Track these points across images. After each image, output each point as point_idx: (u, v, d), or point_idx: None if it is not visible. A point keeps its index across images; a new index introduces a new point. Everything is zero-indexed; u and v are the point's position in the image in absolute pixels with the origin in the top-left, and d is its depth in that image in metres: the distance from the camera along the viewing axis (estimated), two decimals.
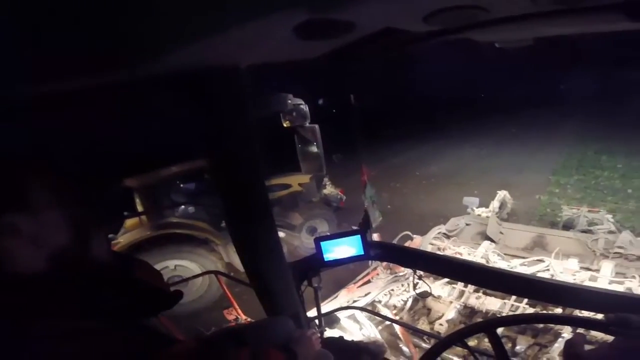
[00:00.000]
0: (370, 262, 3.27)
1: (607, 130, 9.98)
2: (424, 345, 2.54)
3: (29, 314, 0.66)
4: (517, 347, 2.41)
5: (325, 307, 2.63)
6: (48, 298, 0.70)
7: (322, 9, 0.80)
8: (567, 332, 2.34)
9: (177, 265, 4.32)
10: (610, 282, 2.65)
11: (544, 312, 2.46)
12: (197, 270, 4.23)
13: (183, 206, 4.83)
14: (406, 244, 3.46)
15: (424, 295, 2.98)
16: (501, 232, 3.54)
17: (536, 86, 16.14)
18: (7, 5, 0.51)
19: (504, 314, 2.58)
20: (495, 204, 4.35)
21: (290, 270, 1.43)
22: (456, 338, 0.91)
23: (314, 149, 5.08)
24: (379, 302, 3.04)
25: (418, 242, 3.55)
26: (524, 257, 3.09)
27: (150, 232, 4.26)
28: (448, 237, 3.65)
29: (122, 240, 4.18)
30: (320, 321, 1.73)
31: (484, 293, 2.82)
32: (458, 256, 3.25)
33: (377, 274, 3.30)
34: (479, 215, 4.05)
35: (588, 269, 2.83)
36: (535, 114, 13.11)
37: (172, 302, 0.95)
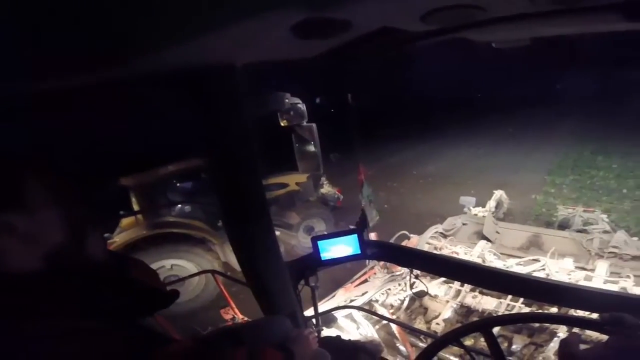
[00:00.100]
0: (367, 261, 3.28)
1: (603, 131, 10.05)
2: (420, 344, 2.55)
3: (27, 313, 0.66)
4: (513, 347, 2.42)
5: (323, 307, 2.63)
6: (46, 298, 0.69)
7: (318, 8, 0.80)
8: (562, 332, 2.35)
9: (174, 265, 4.30)
10: (605, 282, 2.67)
11: (539, 311, 2.47)
12: (193, 269, 4.22)
13: (179, 205, 4.81)
14: (403, 243, 3.46)
15: (421, 294, 2.99)
16: (497, 232, 3.55)
17: (533, 86, 16.21)
18: (6, 3, 0.50)
19: (500, 313, 2.59)
20: (491, 204, 4.37)
21: (287, 270, 1.43)
22: (452, 337, 0.92)
23: (312, 148, 5.06)
24: (376, 301, 3.04)
25: (415, 242, 3.56)
26: (520, 257, 3.10)
27: (146, 231, 4.24)
28: (445, 236, 3.66)
29: (118, 239, 4.16)
30: (317, 320, 1.73)
31: (480, 292, 2.83)
32: (454, 255, 3.26)
33: (374, 274, 3.30)
34: (475, 214, 4.07)
35: (583, 269, 2.84)
36: (532, 113, 13.17)
37: (168, 301, 0.95)
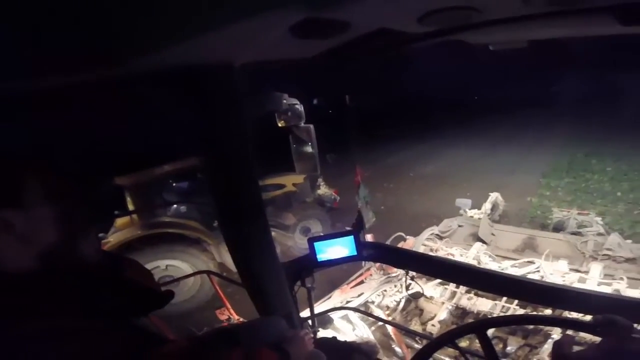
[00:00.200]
0: (363, 263, 3.28)
1: (598, 133, 10.14)
2: (416, 345, 2.55)
3: (24, 313, 0.66)
4: (508, 348, 2.43)
5: (319, 308, 2.63)
6: (46, 298, 0.70)
7: (317, 8, 0.80)
8: (556, 333, 2.37)
9: (169, 265, 4.28)
10: (599, 284, 2.69)
11: (534, 313, 2.48)
12: (188, 270, 4.20)
13: (175, 205, 4.79)
14: (399, 245, 3.47)
15: (416, 296, 3.00)
16: (493, 234, 3.57)
17: (529, 88, 16.32)
18: (6, 2, 0.50)
19: (495, 315, 2.60)
20: (487, 206, 4.39)
21: (283, 271, 1.43)
22: (447, 339, 0.92)
23: (309, 149, 5.06)
24: (372, 302, 3.04)
25: (411, 243, 3.56)
26: (514, 259, 3.12)
27: (141, 231, 4.21)
28: (441, 238, 3.67)
29: (113, 239, 4.13)
30: (313, 321, 1.73)
31: (476, 294, 2.84)
32: (450, 257, 3.27)
33: (371, 275, 3.30)
34: (471, 216, 4.09)
35: (577, 271, 2.87)
36: (528, 115, 13.27)
37: (163, 301, 0.95)
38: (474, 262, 3.11)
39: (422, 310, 2.97)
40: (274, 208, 5.23)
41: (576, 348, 0.66)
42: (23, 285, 0.69)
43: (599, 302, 1.09)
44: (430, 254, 3.29)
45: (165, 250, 4.24)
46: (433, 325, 2.70)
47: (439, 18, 0.95)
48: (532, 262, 2.96)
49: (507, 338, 2.50)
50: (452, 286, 2.97)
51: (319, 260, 1.44)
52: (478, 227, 3.61)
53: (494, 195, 4.64)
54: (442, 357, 2.36)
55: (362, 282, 3.27)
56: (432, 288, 3.01)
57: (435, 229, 3.78)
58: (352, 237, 1.44)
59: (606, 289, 2.61)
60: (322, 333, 2.02)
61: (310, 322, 1.72)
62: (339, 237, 1.45)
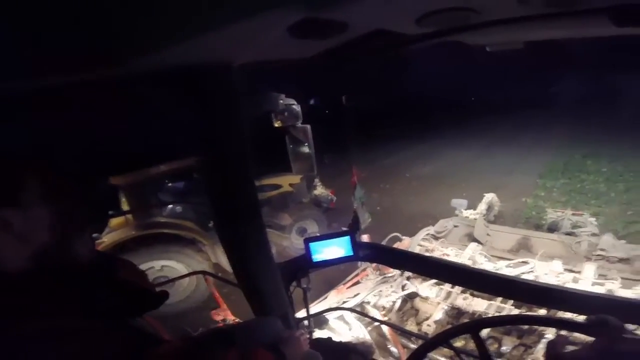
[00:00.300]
0: (359, 263, 3.28)
1: (594, 135, 10.21)
2: (412, 346, 2.56)
3: (23, 313, 0.66)
4: (503, 348, 2.45)
5: (315, 308, 2.63)
6: (44, 297, 0.70)
7: (315, 8, 0.80)
8: (550, 334, 2.39)
9: (164, 266, 4.26)
10: (593, 284, 2.71)
11: (527, 313, 2.50)
12: (184, 270, 4.18)
13: (170, 205, 4.77)
14: (395, 245, 3.48)
15: (412, 296, 3.01)
16: (488, 234, 3.59)
17: (526, 89, 16.39)
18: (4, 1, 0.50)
19: (490, 315, 2.62)
20: (482, 206, 4.41)
21: (279, 271, 1.43)
22: (442, 339, 0.92)
23: (305, 149, 5.08)
24: (368, 303, 3.05)
25: (407, 244, 3.57)
26: (509, 259, 3.14)
27: (136, 231, 4.19)
28: (436, 238, 3.69)
29: (107, 239, 4.11)
30: (309, 322, 1.73)
31: (471, 294, 2.85)
32: (446, 257, 3.28)
33: (367, 275, 3.31)
34: (466, 217, 4.10)
35: (571, 271, 2.89)
36: (525, 116, 13.32)
37: (157, 302, 0.95)
38: (469, 263, 3.12)
39: (417, 311, 2.98)
40: (270, 208, 5.23)
41: (570, 348, 0.67)
42: (22, 285, 0.69)
43: (592, 302, 1.10)
44: (426, 254, 3.29)
45: (160, 250, 4.21)
46: (429, 325, 2.71)
47: (437, 19, 0.95)
48: (526, 262, 2.98)
49: (502, 338, 2.51)
50: (447, 286, 2.98)
51: (314, 260, 1.45)
52: (473, 227, 3.63)
53: (490, 196, 4.67)
54: (437, 357, 2.37)
55: (358, 282, 3.28)
56: (427, 288, 3.02)
57: (431, 230, 3.79)
58: (348, 237, 1.45)
59: (600, 289, 2.63)
60: (318, 333, 2.02)
61: (306, 322, 1.72)
62: (335, 237, 1.45)
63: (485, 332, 2.41)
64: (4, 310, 0.65)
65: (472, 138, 11.36)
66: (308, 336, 1.44)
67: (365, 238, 3.72)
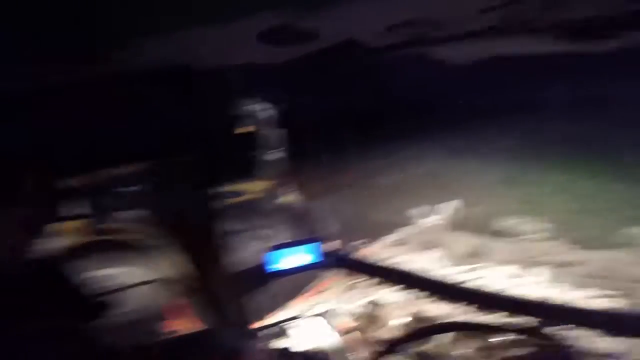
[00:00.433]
0: (326, 269, 3.27)
1: (554, 144, 10.89)
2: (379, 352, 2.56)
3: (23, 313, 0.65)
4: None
5: (277, 317, 2.56)
6: (42, 297, 0.70)
7: (286, 17, 0.79)
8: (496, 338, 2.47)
9: (116, 273, 4.03)
10: (546, 288, 2.87)
11: (464, 321, 2.55)
12: (138, 278, 3.98)
13: (125, 210, 4.54)
14: (362, 252, 3.51)
15: (379, 302, 3.04)
16: (449, 240, 3.72)
17: (487, 97, 17.20)
18: None
19: (453, 320, 2.67)
20: (444, 213, 4.58)
21: (239, 280, 1.37)
22: (397, 345, 0.92)
23: (278, 154, 5.02)
24: (334, 310, 3.03)
25: (373, 250, 3.62)
26: (468, 265, 3.26)
27: (88, 237, 3.93)
28: (401, 245, 3.77)
29: (56, 244, 3.81)
30: (271, 331, 1.68)
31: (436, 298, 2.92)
32: (409, 264, 3.35)
33: (333, 282, 3.30)
34: (429, 224, 4.23)
35: (526, 276, 3.04)
36: (491, 125, 13.94)
37: (98, 312, 0.89)
38: (431, 268, 3.21)
39: (383, 316, 3.00)
40: (237, 215, 5.10)
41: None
42: (22, 285, 0.69)
43: (537, 307, 1.15)
44: (391, 261, 3.35)
45: (113, 257, 3.99)
46: (395, 330, 2.73)
47: (403, 31, 0.97)
48: (484, 268, 3.11)
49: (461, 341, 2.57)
50: (412, 291, 3.03)
51: (278, 268, 1.41)
52: (435, 234, 3.75)
53: (452, 203, 4.85)
54: None
55: (324, 289, 3.26)
56: (393, 293, 3.05)
57: (396, 236, 3.88)
58: (313, 244, 1.42)
59: (552, 293, 2.79)
60: (280, 343, 1.97)
61: (267, 331, 1.67)
62: (300, 245, 1.42)
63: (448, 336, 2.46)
64: (3, 310, 0.64)
65: (437, 146, 11.75)
66: (269, 346, 1.39)
67: (332, 245, 3.71)
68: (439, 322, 2.65)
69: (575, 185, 7.81)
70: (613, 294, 2.72)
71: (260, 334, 1.57)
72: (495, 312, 2.59)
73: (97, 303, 0.91)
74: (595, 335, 2.05)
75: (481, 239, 3.81)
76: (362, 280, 3.15)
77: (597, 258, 3.21)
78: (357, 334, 2.67)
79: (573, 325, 1.80)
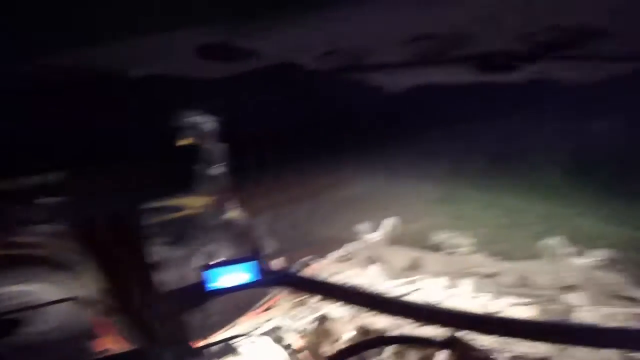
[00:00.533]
0: (268, 287, 3.23)
1: (478, 167, 12.07)
2: None
3: None
4: None
5: (223, 335, 2.47)
6: None
7: (225, 35, 0.82)
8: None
9: (29, 291, 3.60)
10: (471, 297, 3.14)
11: (391, 334, 2.69)
12: (55, 296, 3.57)
13: (41, 224, 4.07)
14: (307, 269, 3.55)
15: (324, 317, 3.07)
16: (386, 256, 3.93)
17: (420, 122, 18.32)
18: None
19: (395, 332, 2.78)
20: (383, 230, 4.81)
21: (175, 298, 1.32)
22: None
23: (218, 170, 4.88)
24: (282, 327, 3.00)
25: (318, 267, 3.69)
26: (404, 277, 3.47)
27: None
28: (344, 261, 3.89)
29: None
30: (216, 349, 1.63)
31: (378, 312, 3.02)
32: (352, 278, 3.46)
33: (279, 299, 3.27)
34: (370, 240, 4.43)
35: (454, 286, 3.31)
36: (421, 147, 14.99)
37: (9, 330, 0.81)
38: (372, 282, 3.34)
39: (330, 331, 3.03)
40: (174, 230, 4.83)
41: None
42: None
43: (457, 318, 1.27)
44: (335, 277, 3.43)
45: (27, 273, 3.56)
46: (341, 345, 2.77)
47: (335, 59, 1.06)
48: (419, 280, 3.33)
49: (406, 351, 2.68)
50: (355, 306, 3.11)
51: (214, 287, 1.38)
52: (376, 249, 3.93)
53: (389, 220, 5.13)
54: None
55: (271, 307, 3.21)
56: (338, 308, 3.11)
57: (339, 253, 4.00)
58: (251, 263, 1.43)
59: (476, 302, 3.06)
60: None
61: (211, 350, 1.61)
62: (237, 263, 1.42)
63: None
64: None
65: (379, 166, 12.37)
66: None
67: (276, 263, 3.70)
68: (372, 336, 2.76)
69: (501, 202, 8.76)
70: (529, 301, 3.05)
71: (204, 352, 1.51)
72: (429, 324, 2.77)
73: (7, 321, 0.82)
74: (516, 342, 2.28)
75: (417, 253, 4.07)
76: (308, 297, 3.17)
77: (516, 268, 3.60)
78: (306, 352, 2.67)
79: (495, 334, 1.99)
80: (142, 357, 1.16)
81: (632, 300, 2.96)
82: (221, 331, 2.68)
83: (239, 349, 2.43)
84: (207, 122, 3.76)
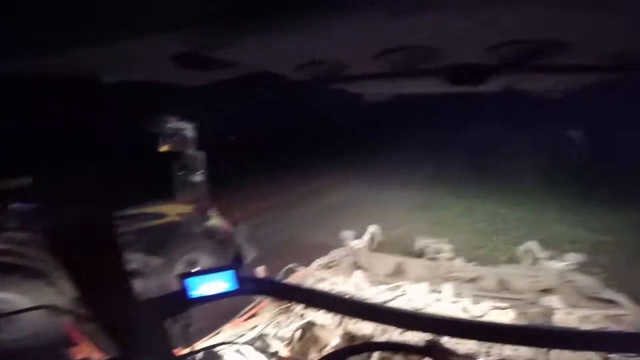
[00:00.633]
0: (250, 296, 3.19)
1: (456, 176, 12.45)
2: None
3: None
4: None
5: (206, 344, 2.42)
6: None
7: (200, 42, 0.83)
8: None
9: (4, 298, 3.46)
10: (452, 302, 3.19)
11: (374, 341, 2.70)
12: (28, 304, 3.44)
13: (12, 230, 3.93)
14: (291, 277, 3.53)
15: (310, 325, 3.05)
16: (370, 262, 3.95)
17: (400, 133, 18.59)
18: None
19: (377, 338, 2.78)
20: (366, 237, 4.85)
21: (152, 306, 1.30)
22: None
23: (197, 177, 4.83)
24: (267, 335, 2.96)
25: (302, 275, 3.67)
26: (388, 283, 3.49)
27: None
28: (328, 268, 3.89)
29: None
30: (195, 358, 1.59)
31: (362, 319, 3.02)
32: (336, 285, 3.45)
33: (264, 307, 3.23)
34: (354, 247, 4.44)
35: (435, 291, 3.36)
36: (402, 156, 15.32)
37: None
38: (355, 288, 3.35)
39: (317, 338, 3.01)
40: (153, 238, 4.72)
41: None
42: None
43: (438, 323, 1.31)
44: (319, 283, 3.43)
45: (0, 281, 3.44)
46: (327, 352, 2.75)
47: (314, 69, 1.08)
48: (400, 286, 3.36)
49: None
50: (339, 314, 3.11)
51: (193, 296, 1.37)
52: (359, 256, 3.95)
53: (372, 227, 5.17)
54: None
55: (255, 314, 3.17)
56: (324, 315, 3.09)
57: (323, 260, 4.00)
58: (230, 271, 1.42)
59: (456, 306, 3.11)
60: None
61: (190, 358, 1.58)
62: (216, 272, 1.41)
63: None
64: None
65: (360, 174, 12.60)
66: None
67: (260, 270, 3.66)
68: (357, 343, 2.76)
69: (482, 208, 9.08)
70: (509, 305, 3.13)
71: None
72: (412, 330, 2.79)
73: None
74: (499, 346, 2.32)
75: (398, 260, 4.10)
76: (292, 305, 3.15)
77: (493, 273, 3.68)
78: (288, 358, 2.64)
79: (478, 339, 2.02)
80: None
81: (605, 302, 3.08)
82: (205, 339, 2.63)
83: (224, 357, 2.39)
84: (187, 129, 3.73)
